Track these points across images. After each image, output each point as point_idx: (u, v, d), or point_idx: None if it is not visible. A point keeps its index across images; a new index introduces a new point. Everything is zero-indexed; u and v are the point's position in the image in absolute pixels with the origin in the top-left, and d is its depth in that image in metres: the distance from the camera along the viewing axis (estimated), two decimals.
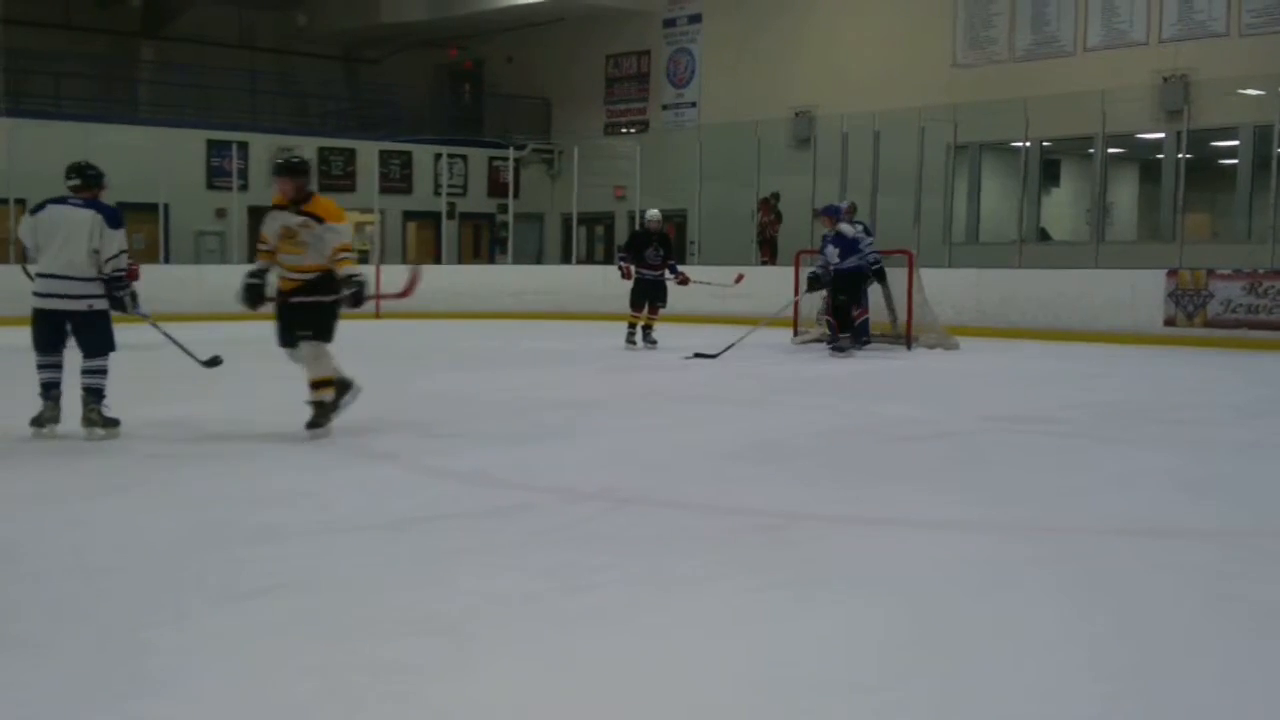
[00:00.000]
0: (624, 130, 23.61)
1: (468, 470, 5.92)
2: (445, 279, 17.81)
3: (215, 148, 20.46)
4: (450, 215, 22.41)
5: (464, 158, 23.42)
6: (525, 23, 23.92)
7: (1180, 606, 3.74)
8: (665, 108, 23.33)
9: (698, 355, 11.32)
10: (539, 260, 22.93)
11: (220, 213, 20.12)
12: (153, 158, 18.45)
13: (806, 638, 3.43)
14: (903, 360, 11.74)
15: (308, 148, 20.97)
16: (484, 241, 24.03)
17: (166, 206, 19.09)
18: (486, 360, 11.82)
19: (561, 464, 6.15)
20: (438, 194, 22.34)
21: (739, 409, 8.05)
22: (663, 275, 12.65)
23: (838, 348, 11.88)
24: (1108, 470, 6.06)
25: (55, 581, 3.95)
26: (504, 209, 21.80)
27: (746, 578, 4.03)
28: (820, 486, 5.64)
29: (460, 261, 22.46)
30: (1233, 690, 3.05)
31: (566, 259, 21.51)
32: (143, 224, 19.25)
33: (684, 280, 12.79)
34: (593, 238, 22.94)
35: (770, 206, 18.77)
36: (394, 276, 16.69)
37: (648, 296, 12.63)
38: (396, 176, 22.46)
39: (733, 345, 11.41)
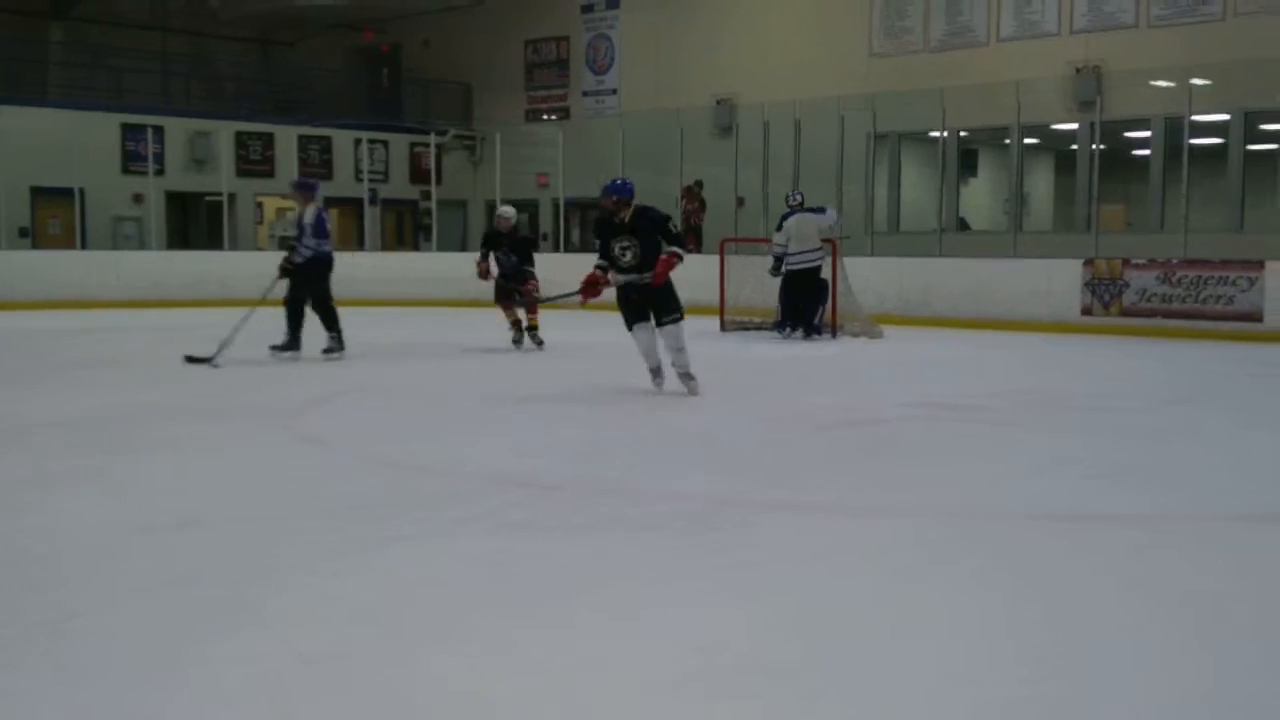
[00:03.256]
0: (545, 117, 23.49)
1: (398, 458, 5.89)
2: (369, 267, 17.63)
3: (130, 131, 20.01)
4: (373, 202, 22.16)
5: (385, 143, 23.16)
6: (444, 6, 23.68)
7: (1102, 590, 3.83)
8: (586, 94, 23.25)
9: (191, 359, 9.74)
10: (463, 248, 22.75)
11: (138, 198, 19.69)
12: (65, 141, 18.00)
13: (731, 622, 3.46)
14: (828, 348, 11.86)
15: (224, 131, 20.62)
16: (407, 229, 23.78)
17: (82, 191, 18.66)
18: (416, 349, 11.70)
19: (491, 452, 6.13)
20: (359, 180, 22.07)
21: (666, 398, 8.05)
22: (520, 279, 11.31)
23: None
24: (1031, 457, 6.17)
25: None
26: (427, 196, 21.59)
27: (673, 562, 4.06)
28: (748, 474, 5.68)
29: (384, 249, 22.24)
30: (1153, 672, 3.13)
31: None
32: (58, 209, 18.80)
33: (529, 293, 11.19)
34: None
35: (694, 194, 18.82)
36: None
37: (509, 297, 11.34)
38: (316, 162, 22.14)
39: (226, 344, 9.83)
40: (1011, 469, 5.82)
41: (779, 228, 12.85)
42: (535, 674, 3.07)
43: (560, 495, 5.18)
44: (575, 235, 21.72)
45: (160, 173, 19.06)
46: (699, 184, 18.82)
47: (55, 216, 18.83)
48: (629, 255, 7.82)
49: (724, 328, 13.40)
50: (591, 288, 7.93)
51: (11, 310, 15.18)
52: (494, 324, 11.76)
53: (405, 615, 3.52)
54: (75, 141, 18.13)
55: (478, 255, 11.55)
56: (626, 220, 7.87)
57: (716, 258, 14.01)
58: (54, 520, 4.69)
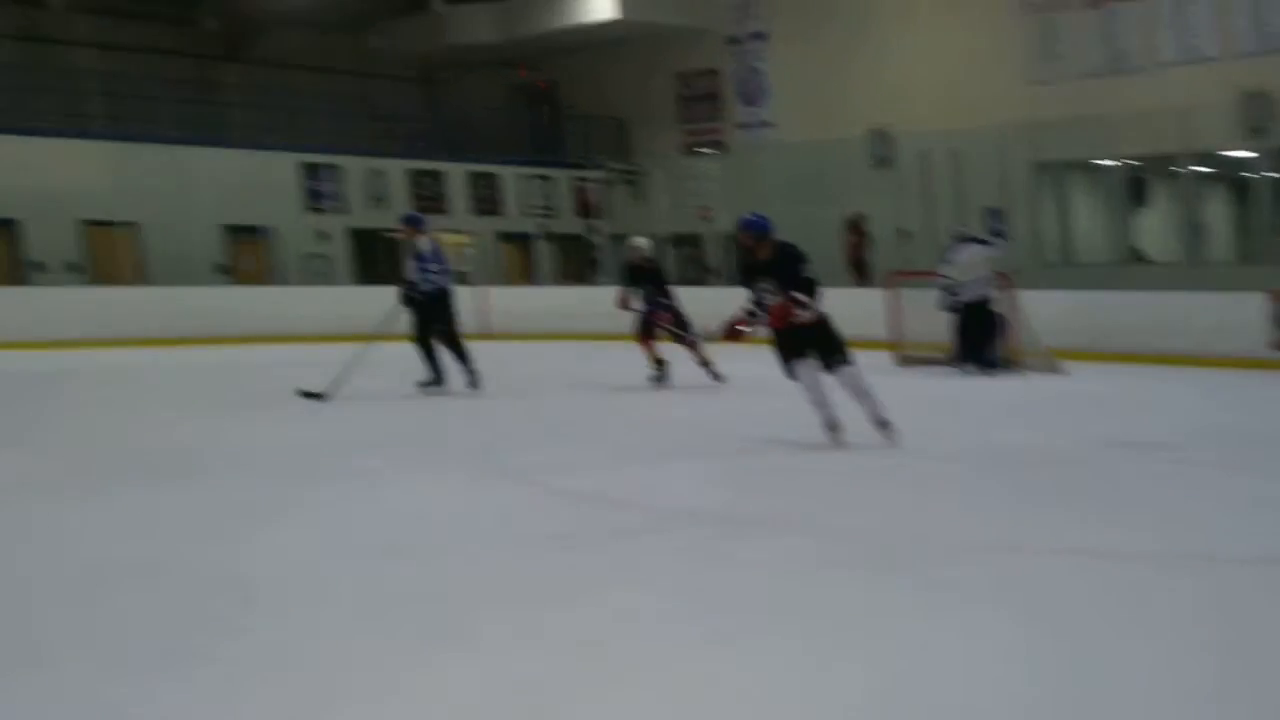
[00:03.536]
0: (701, 150, 23.67)
1: (586, 489, 6.11)
2: (541, 300, 17.98)
3: (309, 170, 20.89)
4: (542, 236, 22.64)
5: (550, 179, 23.65)
6: (592, 43, 23.97)
7: None
8: (740, 126, 23.36)
9: (305, 395, 9.67)
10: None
11: (323, 235, 20.54)
12: (250, 181, 18.91)
13: (966, 659, 3.52)
14: (1008, 384, 11.73)
15: (396, 169, 21.41)
16: (577, 262, 24.21)
17: (271, 229, 19.60)
18: (586, 382, 11.96)
19: (676, 483, 6.29)
20: (526, 215, 22.58)
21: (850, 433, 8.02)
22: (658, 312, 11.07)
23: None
24: (1238, 498, 6.06)
25: (207, 598, 4.22)
26: (594, 230, 21.95)
27: (864, 597, 4.15)
28: (936, 511, 5.71)
29: (554, 283, 22.72)
30: None
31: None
32: (250, 246, 19.76)
33: (664, 326, 11.03)
34: (684, 259, 23.01)
35: (858, 228, 18.79)
36: (494, 297, 17.18)
37: (650, 333, 11.14)
38: (485, 198, 22.76)
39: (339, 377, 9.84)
40: (1220, 509, 5.72)
41: (946, 260, 12.78)
42: (740, 701, 3.17)
43: (751, 529, 5.28)
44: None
45: (342, 210, 19.85)
46: (861, 216, 18.79)
47: (250, 255, 19.81)
48: (769, 299, 7.23)
49: (897, 363, 13.35)
50: (734, 329, 7.33)
51: (213, 344, 15.93)
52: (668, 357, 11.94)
53: (615, 646, 3.65)
54: (259, 181, 19.04)
55: (618, 289, 11.44)
56: (765, 259, 7.26)
57: (884, 291, 14.00)
58: (268, 547, 4.98)
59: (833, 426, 7.17)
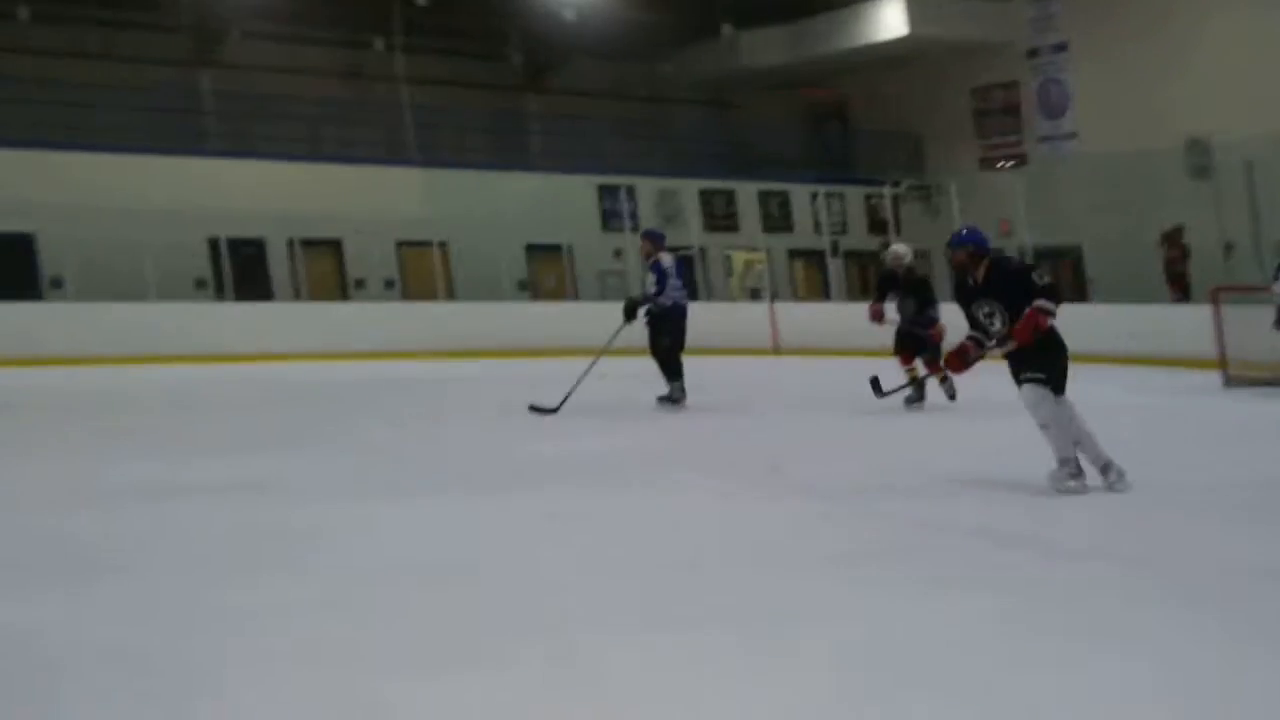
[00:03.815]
0: (1000, 164, 22.98)
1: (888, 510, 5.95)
2: (835, 316, 17.80)
3: (605, 191, 21.56)
4: (834, 253, 22.54)
5: (841, 196, 23.55)
6: (882, 60, 23.81)
7: None
8: (1042, 139, 22.54)
9: (535, 409, 9.60)
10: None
11: (618, 253, 21.12)
12: (550, 202, 19.72)
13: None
14: None
15: (688, 189, 21.80)
16: (869, 279, 23.92)
17: (569, 248, 20.31)
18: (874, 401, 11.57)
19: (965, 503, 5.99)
20: (818, 232, 22.53)
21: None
22: (923, 325, 10.08)
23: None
24: None
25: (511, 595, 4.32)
26: (885, 246, 21.59)
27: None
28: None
29: (847, 299, 22.47)
30: None
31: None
32: (550, 264, 20.57)
33: (935, 340, 9.91)
34: None
35: (1176, 241, 17.70)
36: (786, 314, 17.17)
37: (908, 346, 10.26)
38: (776, 216, 22.89)
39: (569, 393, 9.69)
40: None
41: (1276, 276, 11.78)
42: None
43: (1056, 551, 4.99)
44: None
45: (636, 229, 20.37)
46: (1179, 230, 17.68)
47: (550, 272, 20.66)
48: (996, 323, 6.20)
49: (1228, 383, 12.41)
50: (958, 360, 6.39)
51: (515, 357, 16.48)
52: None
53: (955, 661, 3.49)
54: (559, 202, 19.82)
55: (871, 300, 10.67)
56: (981, 279, 6.27)
57: (1207, 307, 13.04)
58: (564, 554, 5.03)
59: (1069, 471, 6.04)
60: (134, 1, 20.47)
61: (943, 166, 23.46)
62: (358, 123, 21.02)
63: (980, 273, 6.25)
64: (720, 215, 22.35)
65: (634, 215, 20.57)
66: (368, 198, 18.59)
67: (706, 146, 25.75)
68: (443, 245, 19.31)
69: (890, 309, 10.39)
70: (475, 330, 16.95)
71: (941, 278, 22.79)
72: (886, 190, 22.04)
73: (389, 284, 19.29)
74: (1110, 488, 6.04)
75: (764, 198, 22.80)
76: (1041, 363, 6.03)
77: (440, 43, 23.59)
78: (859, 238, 23.61)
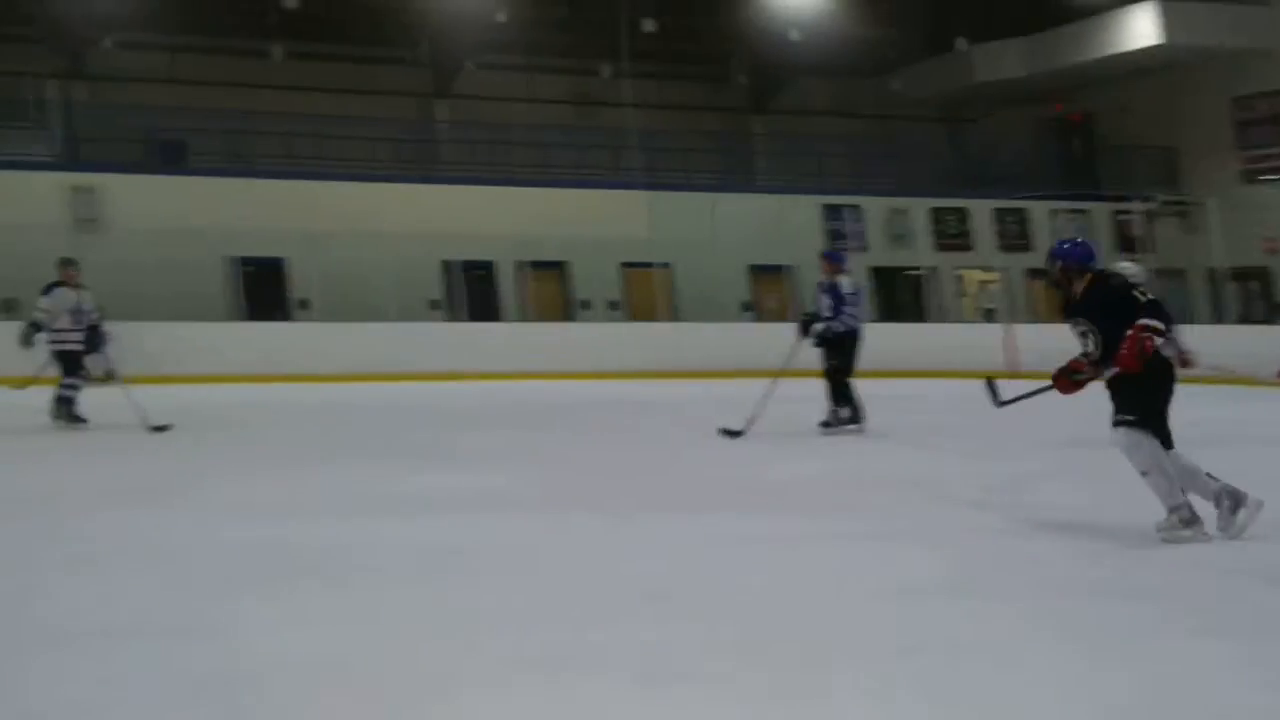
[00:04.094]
0: (1267, 177, 21.35)
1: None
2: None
3: (830, 211, 21.14)
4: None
5: (1084, 212, 22.44)
6: (1129, 71, 22.63)
7: None
8: None
9: (725, 432, 9.40)
10: (1188, 320, 21.27)
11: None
12: (774, 223, 19.45)
13: None
14: None
15: (919, 208, 21.11)
16: None
17: (793, 268, 20.05)
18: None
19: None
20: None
21: None
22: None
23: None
24: None
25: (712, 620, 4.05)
26: (1136, 264, 20.45)
27: None
28: None
29: None
30: None
31: (1218, 318, 19.70)
32: (772, 285, 20.31)
33: (1185, 362, 8.77)
34: (1248, 294, 20.84)
35: None
36: (1022, 335, 16.35)
37: None
38: (1013, 234, 22.02)
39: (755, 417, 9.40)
40: None
41: None
42: None
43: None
44: None
45: (862, 249, 19.89)
46: None
47: (773, 292, 20.36)
48: (1090, 343, 5.50)
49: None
50: (1066, 379, 5.64)
51: (733, 378, 16.28)
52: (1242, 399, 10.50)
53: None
54: (783, 222, 19.52)
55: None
56: (1080, 295, 5.59)
57: None
58: (727, 571, 4.91)
59: (1184, 517, 5.31)
60: (376, 39, 21.42)
61: (1199, 180, 22.02)
62: (584, 147, 21.34)
63: (1080, 289, 5.59)
64: (952, 234, 21.59)
65: (861, 235, 20.06)
66: (593, 220, 18.83)
67: (937, 164, 25.02)
68: (666, 267, 19.29)
69: None
70: (698, 351, 16.85)
71: (1197, 295, 21.47)
72: (1138, 206, 20.76)
73: (613, 305, 19.41)
74: (1223, 530, 5.29)
75: (1000, 215, 21.95)
76: (1135, 401, 5.33)
77: (666, 68, 23.79)
78: (1107, 256, 22.28)
